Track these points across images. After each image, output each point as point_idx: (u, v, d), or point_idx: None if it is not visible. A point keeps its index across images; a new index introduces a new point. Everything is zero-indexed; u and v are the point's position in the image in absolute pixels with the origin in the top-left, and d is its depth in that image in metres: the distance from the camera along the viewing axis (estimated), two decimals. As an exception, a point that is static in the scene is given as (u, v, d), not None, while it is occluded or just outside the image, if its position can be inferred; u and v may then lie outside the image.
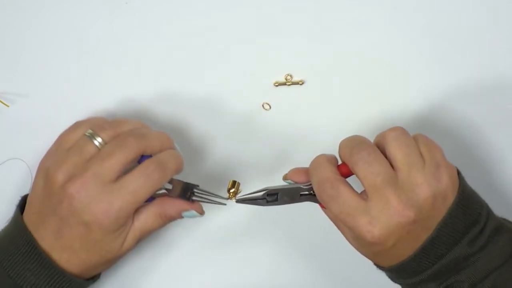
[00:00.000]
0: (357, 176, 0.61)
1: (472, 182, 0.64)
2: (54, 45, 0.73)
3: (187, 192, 0.65)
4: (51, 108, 0.73)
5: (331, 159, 0.64)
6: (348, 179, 0.63)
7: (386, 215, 0.59)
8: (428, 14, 0.74)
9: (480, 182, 0.65)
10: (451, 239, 0.60)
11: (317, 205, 0.65)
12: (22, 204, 0.65)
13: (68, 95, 0.73)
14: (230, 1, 0.74)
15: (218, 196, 0.66)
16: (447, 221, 0.60)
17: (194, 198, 0.66)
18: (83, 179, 0.61)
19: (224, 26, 0.74)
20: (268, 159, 0.74)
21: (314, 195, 0.63)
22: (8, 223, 0.65)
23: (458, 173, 0.63)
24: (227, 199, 0.67)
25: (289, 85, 0.74)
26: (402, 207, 0.59)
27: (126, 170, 0.62)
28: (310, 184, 0.64)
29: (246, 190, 0.67)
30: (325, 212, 0.65)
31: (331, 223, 0.65)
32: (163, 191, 0.64)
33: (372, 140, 0.64)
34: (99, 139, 0.63)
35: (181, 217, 0.66)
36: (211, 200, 0.66)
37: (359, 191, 0.62)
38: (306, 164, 0.65)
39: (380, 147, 0.62)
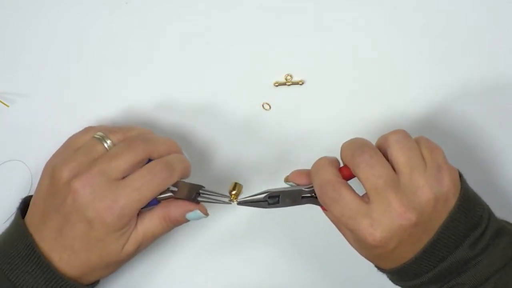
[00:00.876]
0: (358, 178, 0.61)
1: (473, 182, 0.64)
2: (54, 45, 0.73)
3: (192, 193, 0.65)
4: (51, 108, 0.73)
5: (333, 161, 0.64)
6: (349, 182, 0.62)
7: (388, 218, 0.59)
8: (428, 14, 0.74)
9: (481, 182, 0.65)
10: (452, 242, 0.60)
11: (318, 207, 0.65)
12: (23, 207, 0.65)
13: (68, 95, 0.73)
14: (230, 1, 0.73)
15: (224, 195, 0.66)
16: (449, 224, 0.60)
17: (199, 199, 0.66)
18: (89, 175, 0.61)
19: (224, 26, 0.74)
20: (268, 159, 0.74)
21: (316, 197, 0.63)
22: (9, 226, 0.65)
23: (460, 175, 0.63)
24: (229, 201, 0.66)
25: (289, 85, 0.74)
26: (404, 210, 0.59)
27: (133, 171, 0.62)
28: (312, 187, 0.64)
29: (246, 190, 0.67)
30: (327, 215, 0.65)
31: (332, 224, 0.65)
32: (169, 194, 0.64)
33: (373, 142, 0.63)
34: (109, 141, 0.64)
35: (186, 220, 0.65)
36: (217, 200, 0.66)
37: (360, 194, 0.62)
38: (306, 164, 0.65)
39: (381, 150, 0.62)
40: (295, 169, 0.66)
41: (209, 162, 0.74)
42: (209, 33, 0.74)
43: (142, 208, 0.63)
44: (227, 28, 0.74)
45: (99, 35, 0.73)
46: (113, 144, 0.64)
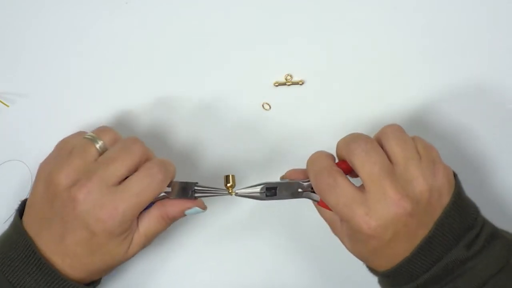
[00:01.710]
0: (354, 166, 0.61)
1: (472, 182, 0.64)
2: (54, 45, 0.73)
3: (187, 191, 0.65)
4: (51, 108, 0.73)
5: (329, 154, 0.64)
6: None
7: (383, 206, 0.59)
8: (428, 14, 0.74)
9: (478, 182, 0.65)
10: (447, 240, 0.60)
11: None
12: (22, 209, 0.65)
13: (68, 95, 0.73)
14: (230, 1, 0.74)
15: (219, 188, 0.66)
16: (443, 221, 0.60)
17: (196, 195, 0.65)
18: (88, 183, 0.60)
19: (224, 26, 0.74)
20: (268, 159, 0.74)
21: (313, 191, 0.63)
22: (7, 228, 0.64)
23: (455, 175, 0.63)
24: (228, 194, 0.66)
25: (289, 85, 0.74)
26: (399, 197, 0.59)
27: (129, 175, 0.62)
28: (309, 181, 0.64)
29: (246, 190, 0.67)
30: (321, 214, 0.65)
31: (331, 223, 0.65)
32: (163, 194, 0.64)
33: None
34: (100, 142, 0.63)
35: (184, 215, 0.66)
36: (215, 193, 0.66)
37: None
38: (305, 164, 0.65)
39: (377, 142, 0.62)
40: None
41: (209, 162, 0.74)
42: (209, 33, 0.74)
43: None
44: (227, 29, 0.74)
45: (99, 35, 0.73)
46: (105, 145, 0.63)
